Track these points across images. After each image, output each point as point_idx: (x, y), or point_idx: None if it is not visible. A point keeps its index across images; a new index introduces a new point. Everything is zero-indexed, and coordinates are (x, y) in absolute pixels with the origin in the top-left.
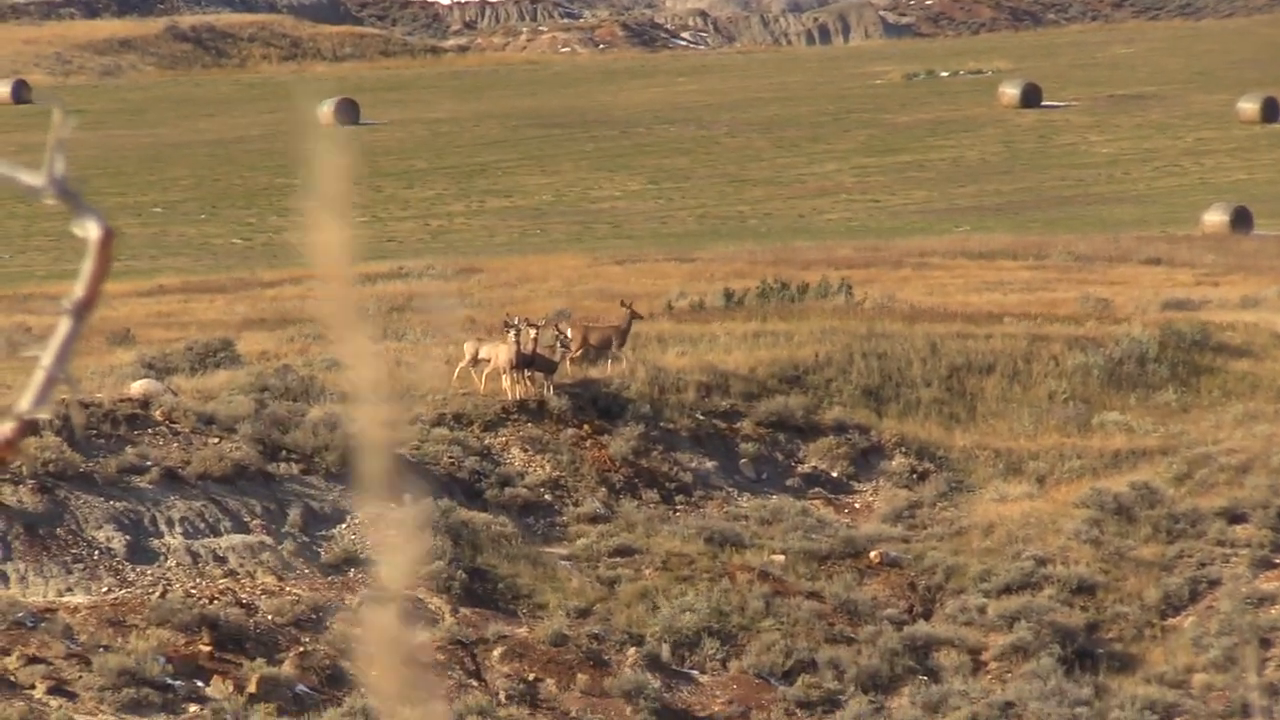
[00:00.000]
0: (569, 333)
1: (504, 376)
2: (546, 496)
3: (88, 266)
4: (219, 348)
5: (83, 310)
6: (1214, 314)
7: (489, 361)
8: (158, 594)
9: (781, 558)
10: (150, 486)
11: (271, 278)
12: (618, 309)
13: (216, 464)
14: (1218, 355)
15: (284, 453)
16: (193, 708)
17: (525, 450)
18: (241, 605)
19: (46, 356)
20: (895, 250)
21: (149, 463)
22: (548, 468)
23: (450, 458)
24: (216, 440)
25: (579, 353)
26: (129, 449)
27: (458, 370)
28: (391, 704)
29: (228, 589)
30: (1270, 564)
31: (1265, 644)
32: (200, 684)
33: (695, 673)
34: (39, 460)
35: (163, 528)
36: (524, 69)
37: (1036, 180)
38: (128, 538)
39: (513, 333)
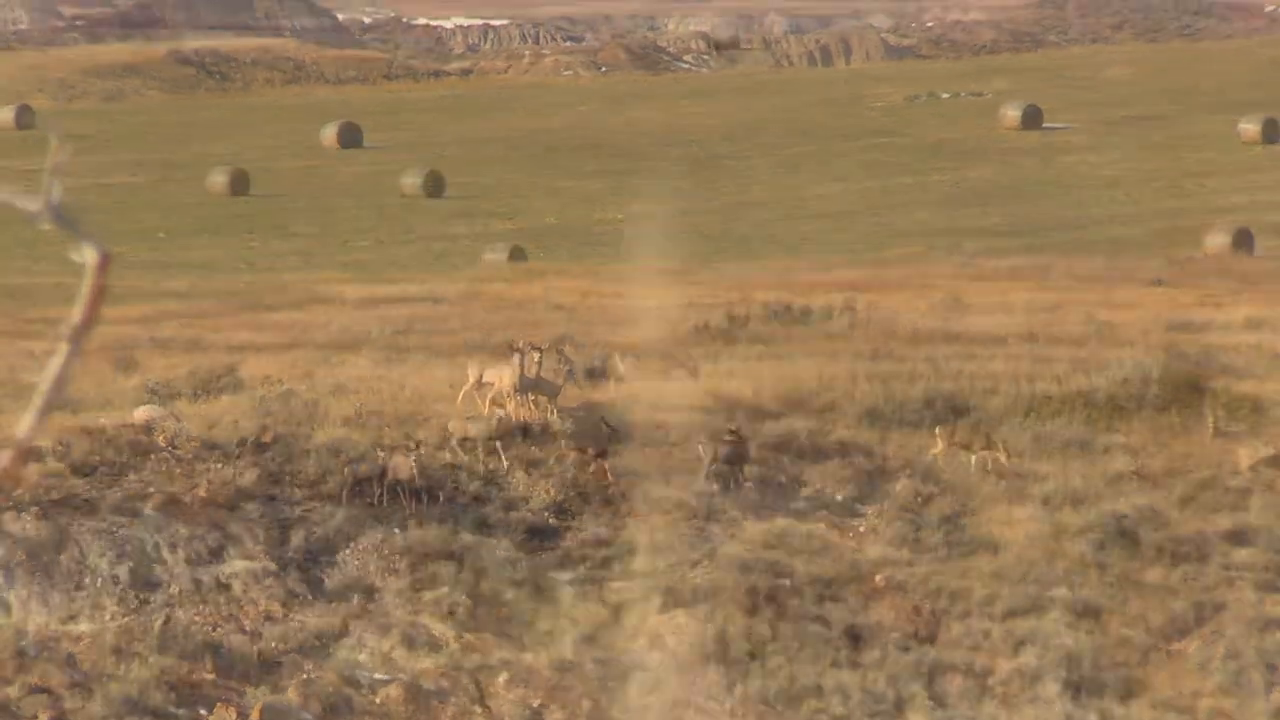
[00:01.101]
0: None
1: (508, 400)
2: (550, 520)
3: (85, 291)
4: (222, 373)
5: (79, 334)
6: (1217, 336)
7: (493, 385)
8: (160, 621)
9: (786, 581)
10: (153, 513)
11: (275, 302)
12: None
13: (220, 490)
14: (1221, 377)
15: (288, 478)
16: None
17: (528, 473)
18: (245, 632)
19: (44, 382)
20: (898, 272)
21: (152, 489)
22: (551, 491)
23: (453, 482)
24: (220, 466)
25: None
26: (132, 475)
27: (462, 393)
28: None
29: (231, 616)
30: (1276, 587)
31: (1272, 668)
32: (203, 712)
33: (700, 699)
34: (41, 487)
35: (165, 554)
36: (527, 92)
37: (1038, 202)
38: (130, 565)
39: (516, 356)
